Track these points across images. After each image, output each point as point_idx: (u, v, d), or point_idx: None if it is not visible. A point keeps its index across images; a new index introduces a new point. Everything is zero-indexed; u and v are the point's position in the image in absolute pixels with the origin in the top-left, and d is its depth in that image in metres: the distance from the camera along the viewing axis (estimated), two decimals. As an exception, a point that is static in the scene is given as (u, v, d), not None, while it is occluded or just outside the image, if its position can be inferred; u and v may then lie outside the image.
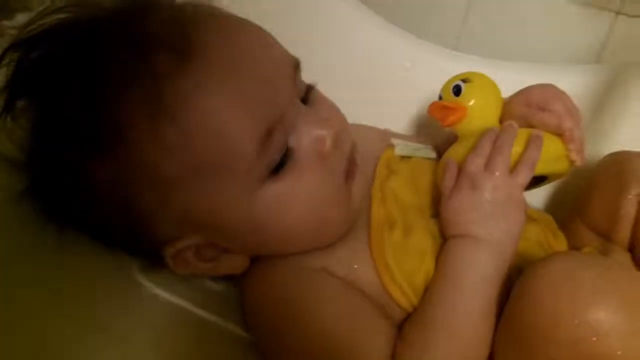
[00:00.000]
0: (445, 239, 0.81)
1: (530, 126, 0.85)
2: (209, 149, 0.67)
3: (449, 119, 0.87)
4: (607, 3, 1.23)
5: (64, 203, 0.73)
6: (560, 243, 0.90)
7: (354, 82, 0.85)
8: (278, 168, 0.72)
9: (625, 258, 0.89)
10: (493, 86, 0.90)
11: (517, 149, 0.81)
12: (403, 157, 0.92)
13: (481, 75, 0.90)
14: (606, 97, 1.10)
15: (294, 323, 0.74)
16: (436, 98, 1.02)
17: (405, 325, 0.76)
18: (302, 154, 0.74)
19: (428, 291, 0.77)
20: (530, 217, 0.87)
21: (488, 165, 0.79)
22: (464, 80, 0.89)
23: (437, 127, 1.09)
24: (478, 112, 0.87)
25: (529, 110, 0.87)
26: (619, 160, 0.93)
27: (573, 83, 0.97)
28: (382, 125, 1.02)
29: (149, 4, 0.73)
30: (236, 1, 0.78)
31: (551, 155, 0.83)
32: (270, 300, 0.77)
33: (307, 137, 0.74)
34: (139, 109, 0.66)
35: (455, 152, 0.86)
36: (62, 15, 0.73)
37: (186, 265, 0.76)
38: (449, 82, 0.91)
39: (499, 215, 0.78)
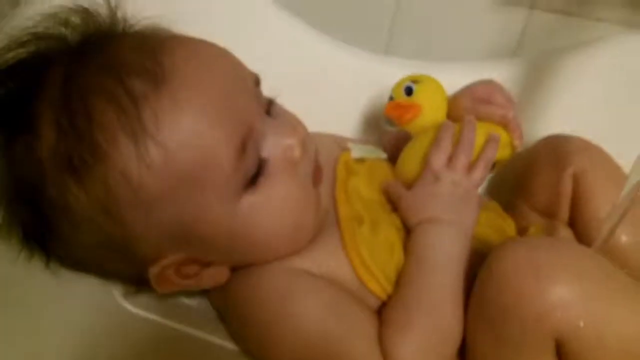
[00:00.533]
0: (409, 228, 0.87)
1: (477, 118, 0.92)
2: (191, 164, 0.70)
3: (405, 117, 0.95)
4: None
5: (45, 232, 0.74)
6: (508, 224, 0.97)
7: (291, 92, 0.88)
8: (253, 178, 0.75)
9: (568, 233, 0.97)
10: (439, 85, 0.98)
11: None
12: (358, 159, 0.97)
13: (427, 76, 0.98)
14: (527, 87, 1.16)
15: (284, 321, 0.77)
16: (370, 102, 1.09)
17: (386, 309, 0.80)
18: (274, 163, 0.77)
19: (402, 275, 0.82)
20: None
21: (451, 162, 0.88)
22: (413, 81, 0.96)
23: (376, 130, 1.16)
24: (430, 109, 0.96)
25: (475, 104, 0.95)
26: (553, 143, 1.02)
27: (495, 77, 1.03)
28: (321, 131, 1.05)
29: (111, 34, 0.77)
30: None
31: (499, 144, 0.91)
32: (258, 304, 0.79)
33: (277, 146, 0.78)
34: (120, 130, 0.67)
35: (417, 147, 0.93)
36: (26, 49, 0.75)
37: (169, 284, 0.78)
38: (398, 84, 0.98)
39: (458, 205, 0.86)
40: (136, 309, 0.81)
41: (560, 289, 0.68)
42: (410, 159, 0.94)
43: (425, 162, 0.89)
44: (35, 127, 0.70)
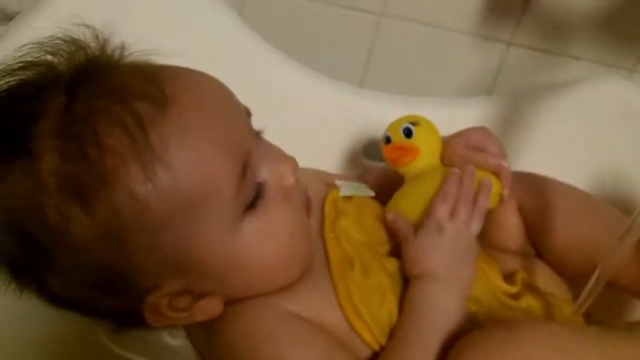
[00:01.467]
0: (406, 277, 0.85)
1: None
2: (196, 188, 0.70)
3: (404, 159, 0.94)
4: (499, 34, 1.30)
5: (38, 264, 0.72)
6: (493, 269, 0.94)
7: (267, 125, 0.87)
8: (252, 203, 0.76)
9: (546, 270, 0.99)
10: (435, 128, 0.97)
11: None
12: (346, 197, 0.96)
13: (424, 118, 0.97)
14: (503, 126, 1.17)
15: None
16: (347, 136, 1.08)
17: None
18: (270, 189, 0.78)
19: (398, 329, 0.81)
20: None
21: (454, 213, 0.87)
22: (412, 123, 0.95)
23: (353, 164, 1.15)
24: (427, 153, 0.94)
25: (469, 151, 0.94)
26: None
27: (471, 115, 1.03)
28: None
29: (105, 64, 0.76)
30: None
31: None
32: (248, 348, 0.77)
33: (272, 173, 0.78)
34: (128, 152, 0.67)
35: (417, 193, 0.93)
36: (16, 77, 0.74)
37: (162, 318, 0.76)
38: (395, 124, 0.97)
39: (460, 258, 0.85)
40: (120, 349, 0.80)
41: None
42: (410, 204, 0.93)
43: (428, 210, 0.88)
44: (36, 151, 0.68)
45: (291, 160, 0.82)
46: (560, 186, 1.00)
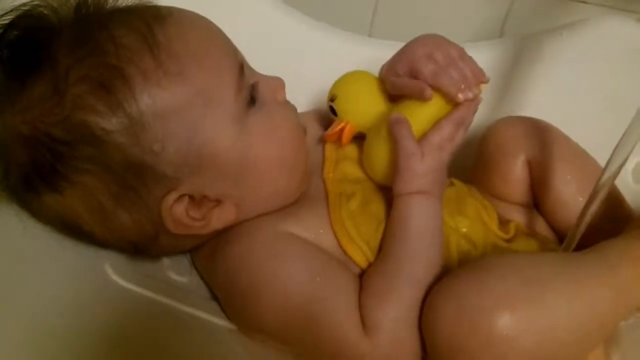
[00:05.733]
0: (395, 194, 0.86)
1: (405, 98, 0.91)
2: (200, 75, 0.77)
3: (345, 139, 0.94)
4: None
5: (56, 167, 0.75)
6: (490, 215, 0.95)
7: (270, 73, 0.89)
8: (252, 102, 0.83)
9: (542, 224, 0.99)
10: (357, 81, 0.98)
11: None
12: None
13: (343, 81, 0.98)
14: (512, 68, 1.18)
15: (272, 282, 0.79)
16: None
17: (367, 276, 0.83)
18: (266, 94, 0.85)
19: (385, 243, 0.84)
20: (466, 192, 0.97)
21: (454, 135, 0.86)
22: (332, 99, 0.95)
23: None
24: (359, 116, 0.94)
25: (397, 80, 0.92)
26: (503, 129, 1.02)
27: (480, 58, 1.03)
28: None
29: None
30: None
31: (434, 117, 0.87)
32: (248, 262, 0.81)
33: (266, 87, 0.85)
34: (139, 46, 0.75)
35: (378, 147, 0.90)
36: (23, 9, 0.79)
37: (179, 225, 0.79)
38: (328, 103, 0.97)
39: (442, 174, 0.87)
40: (127, 283, 0.82)
41: (500, 324, 0.70)
42: (376, 159, 0.91)
43: (434, 126, 0.86)
44: (52, 56, 0.74)
45: (280, 79, 0.88)
46: (566, 145, 1.00)
